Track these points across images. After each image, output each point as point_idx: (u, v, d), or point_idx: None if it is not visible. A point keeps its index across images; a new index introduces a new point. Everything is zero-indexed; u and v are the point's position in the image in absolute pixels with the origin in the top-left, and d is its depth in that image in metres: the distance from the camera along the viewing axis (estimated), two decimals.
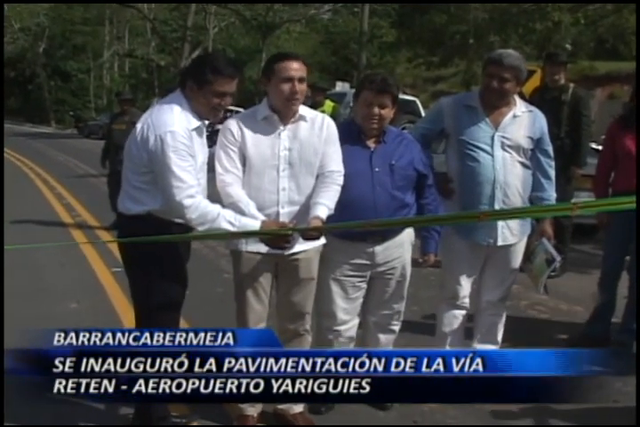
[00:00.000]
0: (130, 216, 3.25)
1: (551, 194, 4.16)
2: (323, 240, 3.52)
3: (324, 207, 3.35)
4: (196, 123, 3.21)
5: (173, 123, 3.11)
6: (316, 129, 3.46)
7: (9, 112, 49.11)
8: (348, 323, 3.81)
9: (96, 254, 7.55)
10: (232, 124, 3.43)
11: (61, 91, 50.91)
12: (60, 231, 9.05)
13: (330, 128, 3.49)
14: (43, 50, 49.27)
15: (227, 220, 3.10)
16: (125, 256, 3.37)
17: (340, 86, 20.96)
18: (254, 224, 3.15)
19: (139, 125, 3.21)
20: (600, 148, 6.71)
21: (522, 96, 4.50)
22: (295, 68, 3.33)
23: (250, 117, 3.47)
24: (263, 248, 3.36)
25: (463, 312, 4.24)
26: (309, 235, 3.30)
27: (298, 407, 3.68)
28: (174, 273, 3.32)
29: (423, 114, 15.64)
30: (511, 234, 4.08)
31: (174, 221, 3.23)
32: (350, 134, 3.64)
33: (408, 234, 3.83)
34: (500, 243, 4.06)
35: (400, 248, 3.79)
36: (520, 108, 4.04)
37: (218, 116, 3.33)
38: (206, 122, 3.32)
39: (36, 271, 6.85)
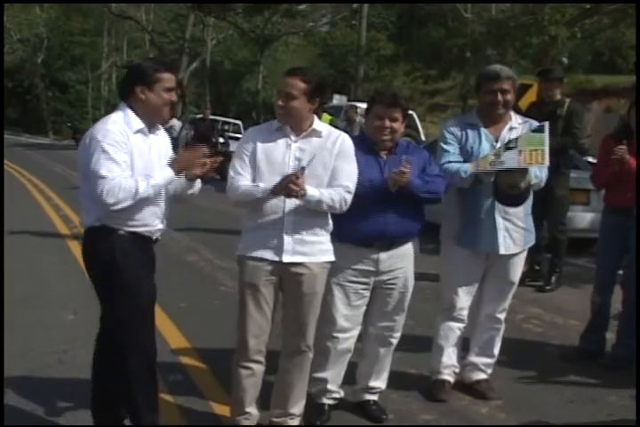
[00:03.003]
0: (88, 229, 3.32)
1: (542, 178, 4.12)
2: (331, 257, 3.58)
3: (318, 190, 3.41)
4: (138, 124, 3.32)
5: (108, 127, 3.26)
6: (329, 144, 3.53)
7: (7, 122, 49.18)
8: (348, 332, 3.83)
9: None
10: (248, 133, 3.69)
11: (59, 102, 50.99)
12: (57, 242, 9.05)
13: (344, 144, 3.55)
14: (41, 61, 49.38)
15: (145, 185, 3.17)
16: (88, 270, 3.42)
17: (338, 99, 20.91)
18: (169, 174, 3.26)
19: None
20: (595, 161, 6.74)
21: (517, 110, 4.58)
22: (284, 83, 3.47)
23: (266, 128, 3.63)
24: (265, 254, 3.43)
25: (460, 325, 4.26)
26: (289, 193, 3.32)
27: (293, 420, 3.69)
28: (137, 284, 3.32)
29: (420, 127, 15.72)
30: (513, 243, 4.12)
31: (130, 231, 3.27)
32: (364, 146, 3.75)
33: (412, 246, 3.89)
34: (502, 252, 4.10)
35: (404, 259, 3.85)
36: (516, 120, 4.23)
37: (169, 113, 3.45)
38: (160, 131, 3.46)
39: (35, 280, 6.84)
